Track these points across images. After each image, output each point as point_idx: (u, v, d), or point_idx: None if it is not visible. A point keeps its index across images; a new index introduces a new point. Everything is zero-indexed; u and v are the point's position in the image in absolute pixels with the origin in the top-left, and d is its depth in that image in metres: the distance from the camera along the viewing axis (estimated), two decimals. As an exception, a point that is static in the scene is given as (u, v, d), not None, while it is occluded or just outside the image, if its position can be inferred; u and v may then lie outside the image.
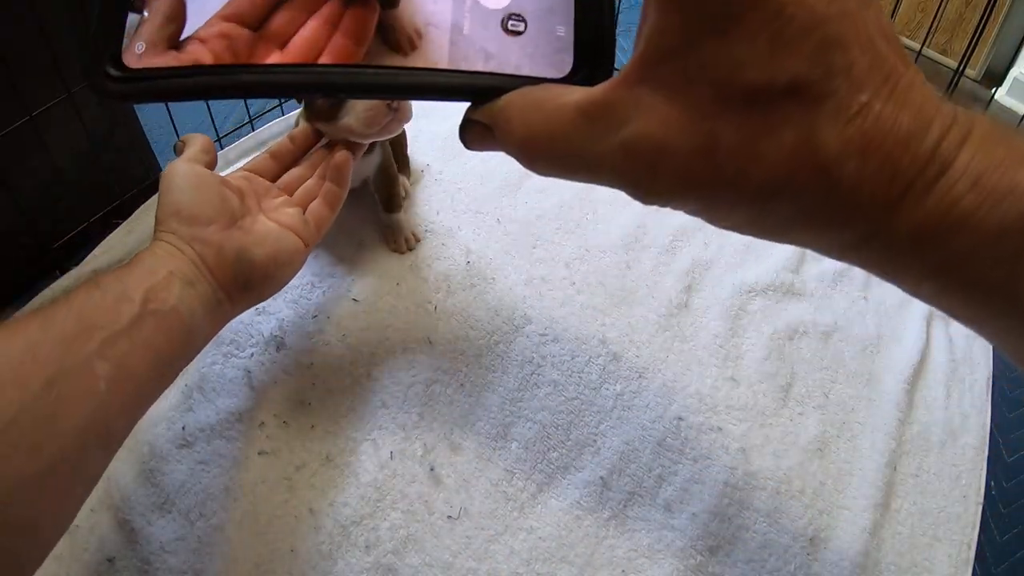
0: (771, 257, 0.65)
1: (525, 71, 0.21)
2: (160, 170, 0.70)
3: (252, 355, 0.49)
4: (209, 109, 0.70)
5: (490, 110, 0.21)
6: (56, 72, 0.62)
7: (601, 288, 0.59)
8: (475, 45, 0.21)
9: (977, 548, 0.49)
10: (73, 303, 0.31)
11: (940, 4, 0.80)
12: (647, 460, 0.48)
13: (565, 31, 0.21)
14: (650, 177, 0.18)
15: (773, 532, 0.46)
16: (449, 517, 0.44)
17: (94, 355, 0.30)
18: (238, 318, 0.51)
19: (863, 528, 0.47)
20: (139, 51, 0.22)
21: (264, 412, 0.47)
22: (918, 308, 0.64)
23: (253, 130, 0.73)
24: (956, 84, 0.71)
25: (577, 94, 0.19)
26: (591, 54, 0.21)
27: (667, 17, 0.17)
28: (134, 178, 0.68)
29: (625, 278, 0.60)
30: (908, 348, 0.60)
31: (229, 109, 0.81)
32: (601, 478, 0.47)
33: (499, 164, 0.70)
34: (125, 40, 0.23)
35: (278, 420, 0.46)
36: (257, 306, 0.52)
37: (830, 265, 0.67)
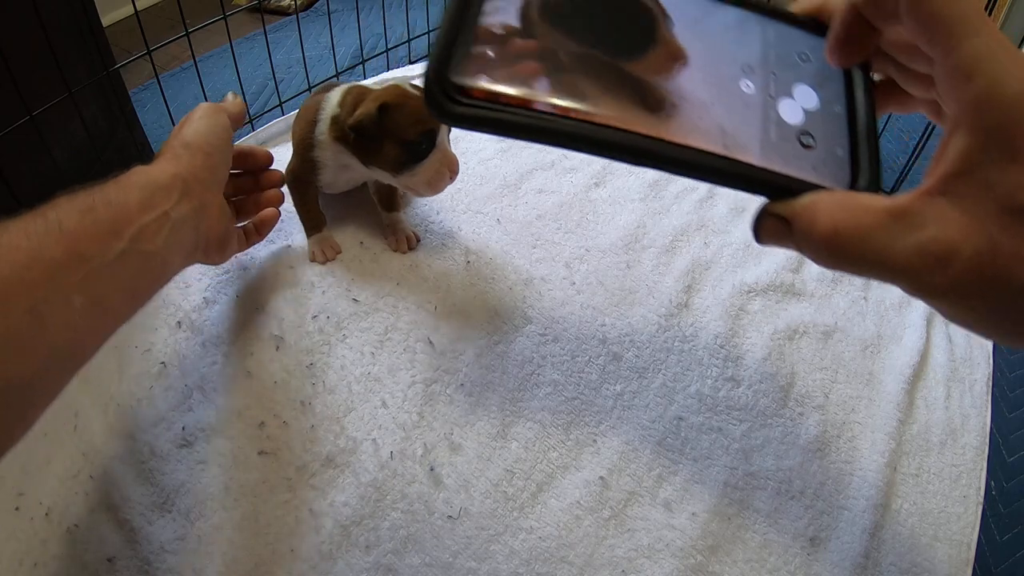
0: (771, 257, 0.65)
1: (816, 179, 0.25)
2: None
3: (252, 355, 0.49)
4: (209, 109, 0.70)
5: (792, 206, 0.24)
6: (56, 72, 0.62)
7: (601, 288, 0.59)
8: (778, 151, 0.25)
9: (977, 548, 0.49)
10: (65, 226, 0.31)
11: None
12: (647, 460, 0.48)
13: (843, 152, 0.26)
14: (935, 275, 0.21)
15: (773, 532, 0.46)
16: (449, 517, 0.44)
17: (75, 288, 0.31)
18: (239, 318, 0.51)
19: (863, 528, 0.47)
20: (483, 82, 0.24)
21: (264, 412, 0.47)
22: (918, 308, 0.64)
23: (253, 130, 0.73)
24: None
25: (884, 200, 0.23)
26: (864, 171, 0.25)
27: (974, 143, 0.21)
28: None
29: (625, 278, 0.60)
30: (908, 348, 0.60)
31: (229, 109, 0.82)
32: (601, 478, 0.47)
33: (499, 165, 0.70)
34: (471, 68, 0.24)
35: (278, 420, 0.46)
36: (257, 305, 0.52)
37: (830, 265, 0.67)
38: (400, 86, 0.49)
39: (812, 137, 0.26)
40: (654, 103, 0.25)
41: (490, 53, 0.24)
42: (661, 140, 0.24)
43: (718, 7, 0.28)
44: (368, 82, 0.81)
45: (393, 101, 0.48)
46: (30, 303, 0.29)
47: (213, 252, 0.44)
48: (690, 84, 0.26)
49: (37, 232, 0.31)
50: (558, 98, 0.24)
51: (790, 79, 0.27)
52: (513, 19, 0.25)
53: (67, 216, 0.32)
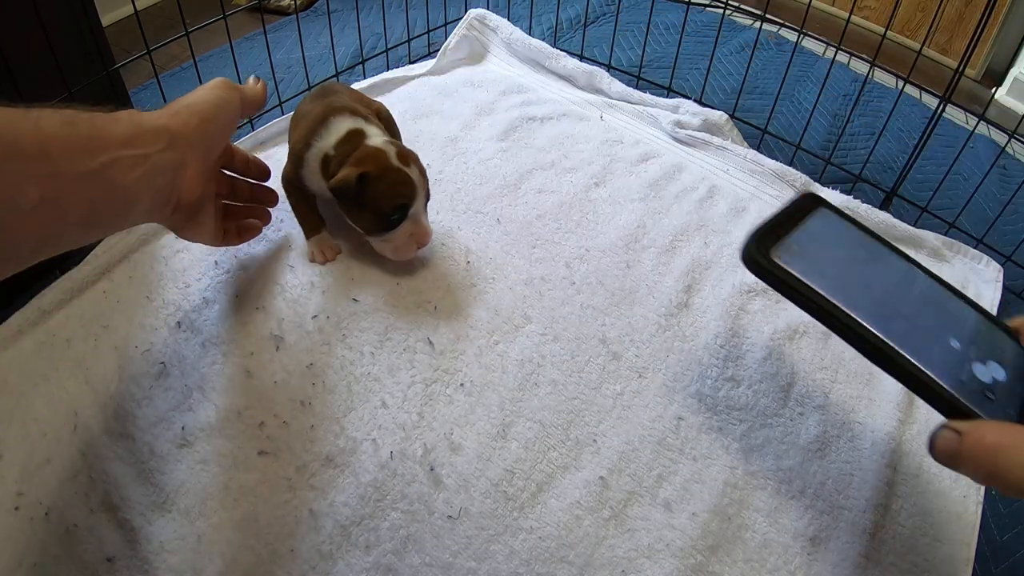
0: (771, 257, 0.65)
1: (988, 417, 0.33)
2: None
3: (252, 355, 0.49)
4: (209, 109, 0.70)
5: (966, 424, 0.31)
6: (56, 72, 0.62)
7: (601, 288, 0.59)
8: (966, 390, 0.34)
9: (977, 548, 0.49)
10: (42, 125, 0.31)
11: (940, 4, 0.80)
12: (647, 460, 0.48)
13: (1013, 414, 0.34)
14: None
15: (773, 532, 0.46)
16: (449, 517, 0.44)
17: (32, 181, 0.30)
18: (239, 318, 0.51)
19: (863, 528, 0.47)
20: (781, 258, 0.37)
21: (264, 412, 0.47)
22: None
23: (253, 130, 0.73)
24: (956, 84, 0.71)
25: None
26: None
27: None
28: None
29: (625, 278, 0.60)
30: (908, 348, 0.60)
31: (229, 109, 0.82)
32: (601, 478, 0.47)
33: (499, 164, 0.70)
34: (780, 243, 0.38)
35: (278, 420, 0.46)
36: (257, 305, 0.52)
37: (830, 265, 0.67)
38: (383, 153, 0.51)
39: (993, 394, 0.34)
40: (897, 325, 0.35)
41: (795, 247, 0.38)
42: (897, 351, 0.34)
43: (954, 298, 0.39)
44: (364, 84, 0.81)
45: (373, 172, 0.49)
46: None
47: (181, 218, 0.43)
48: (924, 322, 0.37)
49: (12, 120, 0.30)
50: (829, 295, 0.36)
51: (986, 355, 0.36)
52: (827, 236, 0.41)
53: (48, 119, 0.32)
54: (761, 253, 0.37)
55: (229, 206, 0.52)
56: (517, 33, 0.93)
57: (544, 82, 0.90)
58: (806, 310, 0.36)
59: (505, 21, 0.95)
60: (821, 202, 0.43)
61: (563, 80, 0.91)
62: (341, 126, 0.53)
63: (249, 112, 0.48)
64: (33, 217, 0.31)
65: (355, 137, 0.52)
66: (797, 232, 0.39)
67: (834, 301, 0.35)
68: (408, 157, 0.52)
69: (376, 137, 0.53)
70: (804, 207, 0.42)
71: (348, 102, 0.55)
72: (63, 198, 0.32)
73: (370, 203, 0.50)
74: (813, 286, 0.36)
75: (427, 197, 0.54)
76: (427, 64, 0.89)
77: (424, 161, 0.67)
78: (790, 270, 0.36)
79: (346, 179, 0.49)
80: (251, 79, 0.50)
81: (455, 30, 0.93)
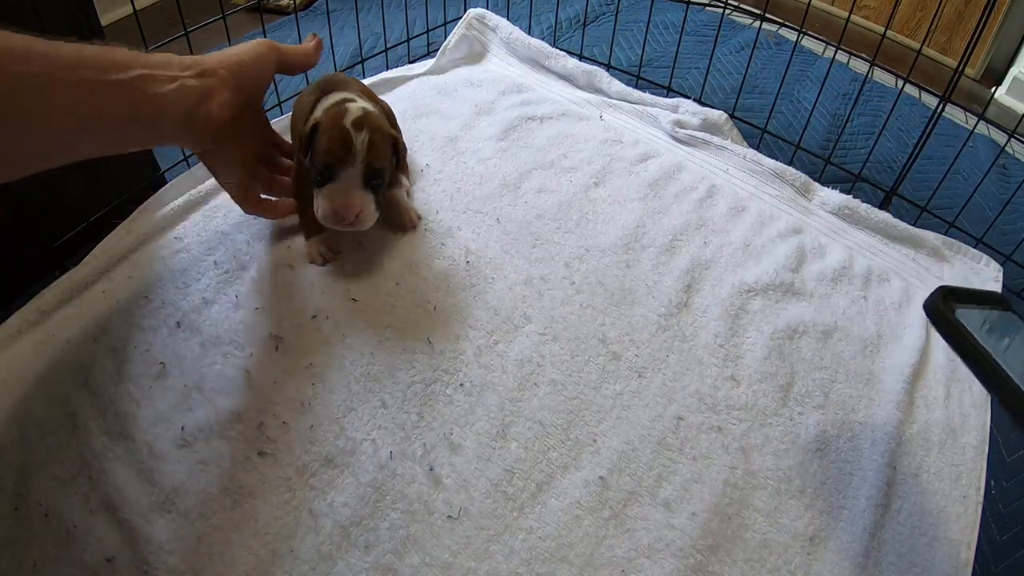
0: (771, 257, 0.65)
1: None
2: (160, 170, 0.70)
3: (252, 355, 0.49)
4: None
5: None
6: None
7: (601, 288, 0.59)
8: None
9: (977, 547, 0.49)
10: (81, 47, 0.36)
11: (940, 3, 0.80)
12: (647, 459, 0.48)
13: None
14: None
15: (773, 532, 0.46)
16: (449, 517, 0.44)
17: (66, 76, 0.35)
18: (239, 318, 0.51)
19: (863, 528, 0.47)
20: (961, 317, 0.43)
21: (264, 412, 0.47)
22: (917, 308, 0.64)
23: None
24: (956, 83, 0.71)
25: None
26: None
27: None
28: (134, 178, 0.68)
29: (625, 278, 0.60)
30: (908, 348, 0.60)
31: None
32: (601, 477, 0.47)
33: (498, 164, 0.70)
34: (963, 307, 0.44)
35: (278, 420, 0.46)
36: (257, 305, 0.52)
37: (830, 265, 0.67)
38: (343, 112, 0.50)
39: None
40: None
41: (975, 316, 0.43)
42: None
43: None
44: (369, 81, 0.81)
45: (323, 125, 0.50)
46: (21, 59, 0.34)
47: (210, 142, 0.45)
48: None
49: (54, 43, 0.35)
50: (995, 356, 0.40)
51: None
52: (1006, 325, 0.45)
53: (90, 47, 0.37)
54: (946, 306, 0.43)
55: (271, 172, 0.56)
56: (516, 32, 0.93)
57: (544, 82, 0.90)
58: (970, 365, 0.41)
59: (504, 20, 0.95)
60: (1011, 306, 0.48)
61: (563, 80, 0.91)
62: (333, 98, 0.54)
63: (291, 68, 0.51)
64: (72, 107, 0.35)
65: (341, 103, 0.52)
66: (981, 308, 0.45)
67: (999, 362, 0.40)
68: (363, 122, 0.50)
69: (357, 103, 0.53)
70: (997, 299, 0.48)
71: (347, 83, 0.56)
72: (99, 96, 0.37)
73: (312, 155, 0.50)
74: (983, 345, 0.41)
75: (380, 175, 0.51)
76: (426, 64, 0.89)
77: (423, 161, 0.68)
78: (967, 327, 0.42)
79: (306, 127, 0.50)
80: (308, 36, 0.54)
81: (454, 29, 0.93)
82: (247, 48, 0.47)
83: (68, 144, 0.37)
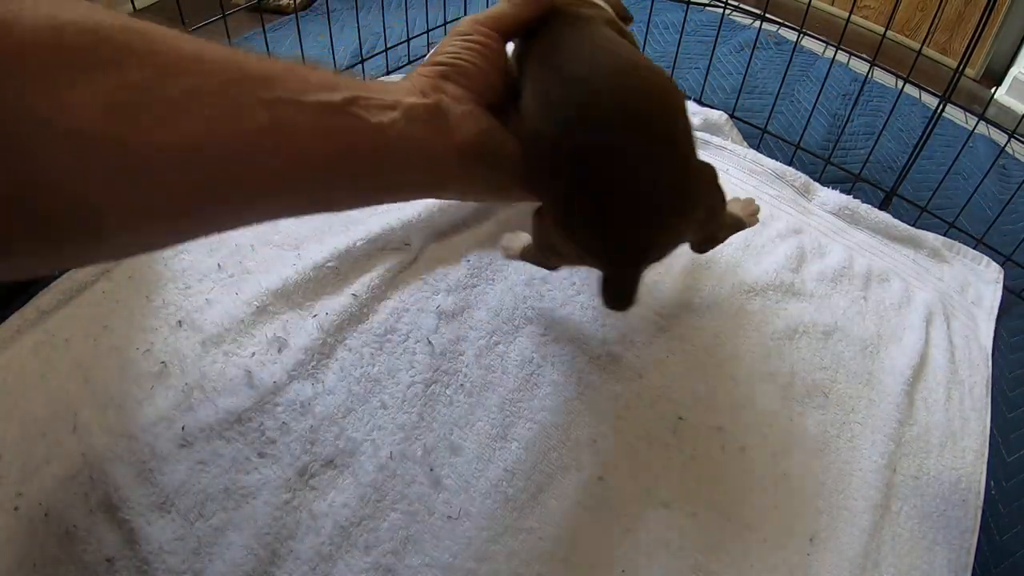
0: (771, 257, 0.65)
1: None
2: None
3: (253, 355, 0.49)
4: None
5: None
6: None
7: (601, 288, 0.58)
8: None
9: (977, 548, 0.49)
10: (264, 61, 0.27)
11: (940, 4, 0.80)
12: (647, 460, 0.48)
13: None
14: None
15: (773, 531, 0.46)
16: (449, 518, 0.44)
17: (262, 104, 0.25)
18: (240, 318, 0.51)
19: (863, 529, 0.47)
20: None
21: (264, 412, 0.47)
22: (917, 308, 0.64)
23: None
24: (956, 84, 0.71)
25: None
26: None
27: None
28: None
29: (625, 278, 0.60)
30: (908, 348, 0.60)
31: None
32: (601, 478, 0.47)
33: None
34: None
35: (278, 421, 0.46)
36: (258, 305, 0.52)
37: (830, 265, 0.67)
38: None
39: None
40: None
41: None
42: None
43: None
44: None
45: None
46: (200, 84, 0.23)
47: (477, 168, 0.33)
48: None
49: (234, 51, 0.26)
50: None
51: None
52: None
53: (272, 60, 0.27)
54: None
55: None
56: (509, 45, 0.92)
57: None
58: None
59: None
60: None
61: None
62: None
63: (513, 34, 0.38)
64: (263, 149, 0.25)
65: None
66: None
67: None
68: None
69: None
70: None
71: None
72: (299, 130, 0.26)
73: None
74: None
75: None
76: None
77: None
78: None
79: None
80: None
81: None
82: (455, 39, 0.36)
83: (262, 198, 0.26)
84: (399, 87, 0.31)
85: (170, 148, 0.23)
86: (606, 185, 0.32)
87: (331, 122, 0.27)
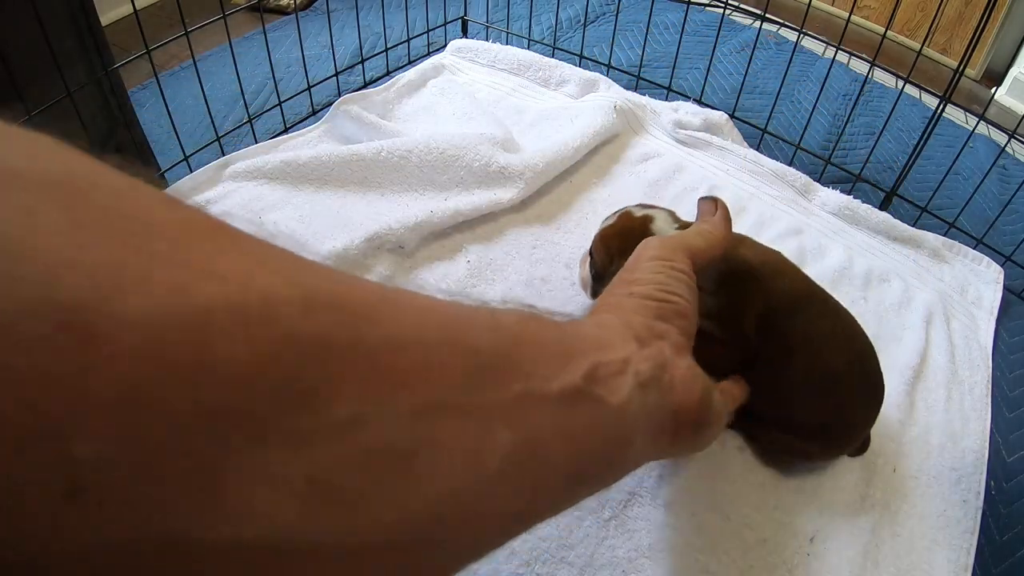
0: (771, 257, 0.65)
1: None
2: (160, 170, 0.70)
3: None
4: (208, 109, 0.69)
5: None
6: (55, 72, 0.62)
7: (601, 288, 0.58)
8: None
9: (977, 548, 0.49)
10: (499, 318, 0.20)
11: (940, 4, 0.80)
12: (647, 460, 0.48)
13: None
14: None
15: (772, 531, 0.46)
16: (449, 518, 0.44)
17: (502, 415, 0.18)
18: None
19: (863, 529, 0.47)
20: None
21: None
22: (916, 309, 0.64)
23: (253, 129, 0.73)
24: (956, 84, 0.71)
25: None
26: None
27: None
28: (133, 178, 0.68)
29: (625, 278, 0.60)
30: (908, 349, 0.60)
31: (228, 108, 0.81)
32: (601, 479, 0.47)
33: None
34: None
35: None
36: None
37: (830, 265, 0.67)
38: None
39: None
40: None
41: None
42: None
43: None
44: (362, 92, 0.80)
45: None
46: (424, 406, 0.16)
47: (688, 434, 0.28)
48: None
49: (461, 313, 0.19)
50: None
51: None
52: None
53: (506, 314, 0.21)
54: None
55: None
56: (503, 53, 0.90)
57: (539, 91, 0.90)
58: None
59: (485, 44, 0.91)
60: None
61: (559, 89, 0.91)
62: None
63: (709, 261, 0.35)
64: (512, 470, 0.18)
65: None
66: None
67: None
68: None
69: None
70: None
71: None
72: (541, 440, 0.19)
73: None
74: None
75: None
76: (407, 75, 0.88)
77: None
78: None
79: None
80: (702, 202, 0.41)
81: (432, 60, 0.87)
82: (661, 277, 0.30)
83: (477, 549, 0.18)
84: (613, 329, 0.26)
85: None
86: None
87: (574, 418, 0.20)
